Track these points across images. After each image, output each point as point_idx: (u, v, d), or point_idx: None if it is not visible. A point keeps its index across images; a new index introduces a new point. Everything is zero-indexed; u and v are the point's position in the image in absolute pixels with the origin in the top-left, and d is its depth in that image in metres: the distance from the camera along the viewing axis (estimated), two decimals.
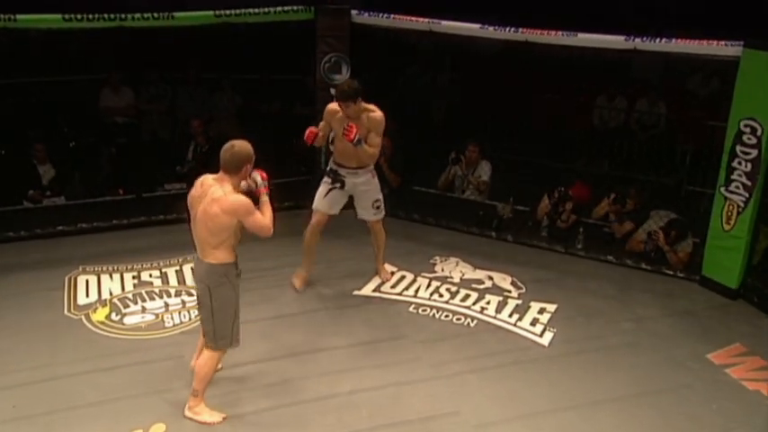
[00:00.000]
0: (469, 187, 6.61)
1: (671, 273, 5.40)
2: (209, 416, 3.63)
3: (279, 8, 5.72)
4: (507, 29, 5.38)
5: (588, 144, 7.18)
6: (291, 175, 7.08)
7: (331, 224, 6.27)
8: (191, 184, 6.40)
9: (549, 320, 4.71)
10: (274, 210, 3.60)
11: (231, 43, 6.95)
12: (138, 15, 5.13)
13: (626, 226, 5.72)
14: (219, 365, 3.75)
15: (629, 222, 5.71)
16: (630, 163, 6.86)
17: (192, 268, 4.97)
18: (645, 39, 4.96)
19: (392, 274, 5.23)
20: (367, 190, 4.81)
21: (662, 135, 7.05)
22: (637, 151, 6.86)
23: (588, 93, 7.65)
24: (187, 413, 3.63)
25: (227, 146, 3.45)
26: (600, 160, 7.23)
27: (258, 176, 3.59)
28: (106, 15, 5.04)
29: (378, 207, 4.88)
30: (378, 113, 4.57)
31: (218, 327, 3.50)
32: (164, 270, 5.19)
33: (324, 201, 4.85)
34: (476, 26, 5.50)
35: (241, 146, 3.46)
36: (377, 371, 4.09)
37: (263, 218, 3.50)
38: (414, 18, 5.71)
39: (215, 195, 3.39)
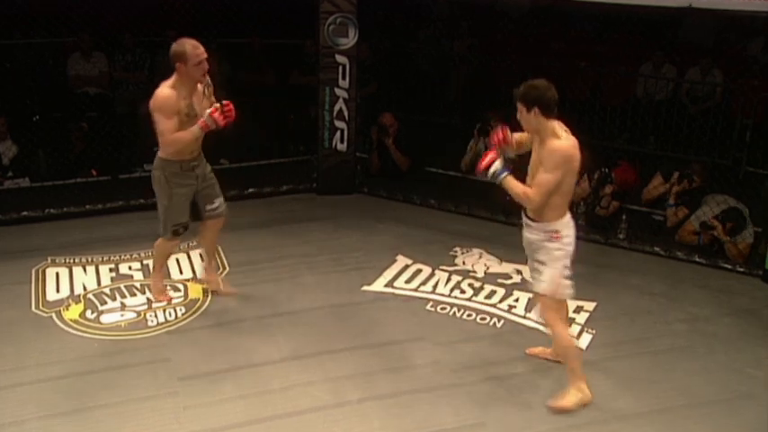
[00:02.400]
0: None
1: (729, 267, 5.41)
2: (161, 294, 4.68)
3: None
4: None
5: (631, 119, 7.16)
6: (288, 155, 7.12)
7: (338, 211, 6.32)
8: None
9: (587, 321, 4.71)
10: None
11: (219, 2, 6.94)
12: None
13: (680, 212, 5.72)
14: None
15: (683, 208, 5.71)
16: (680, 140, 6.84)
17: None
18: None
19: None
20: (541, 248, 3.77)
21: (717, 108, 7.01)
22: (687, 127, 6.84)
23: (631, 60, 7.63)
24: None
25: None
26: (644, 137, 7.22)
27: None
28: None
29: (539, 272, 3.77)
30: (556, 143, 3.54)
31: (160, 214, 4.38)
32: (145, 262, 5.21)
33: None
34: None
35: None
36: (390, 376, 4.10)
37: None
38: None
39: None
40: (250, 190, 6.44)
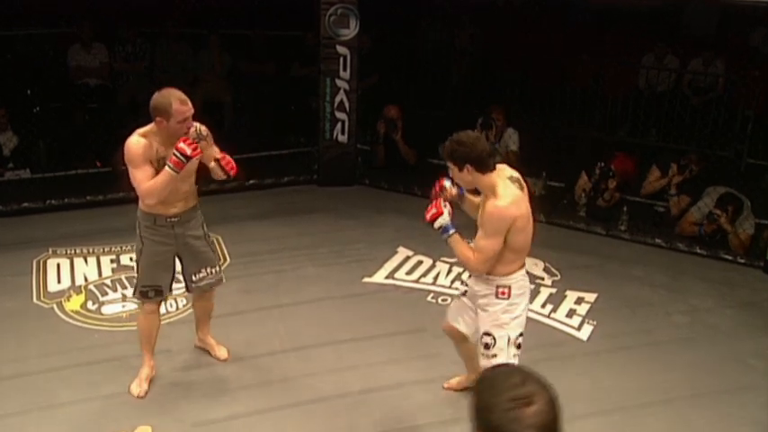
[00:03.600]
0: (496, 160, 6.60)
1: (730, 258, 5.41)
2: (136, 386, 3.82)
3: None
4: None
5: (633, 111, 7.14)
6: (289, 146, 7.10)
7: (339, 203, 6.31)
8: None
9: (588, 312, 4.71)
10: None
11: None
12: None
13: (683, 201, 5.73)
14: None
15: (684, 197, 5.72)
16: (682, 132, 6.83)
17: None
18: None
19: None
20: (485, 309, 3.33)
21: (719, 100, 7.00)
22: (689, 118, 6.82)
23: (633, 51, 7.60)
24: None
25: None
26: (646, 129, 7.21)
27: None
28: None
29: (487, 346, 3.30)
30: (493, 204, 3.10)
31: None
32: None
33: (450, 305, 3.75)
34: None
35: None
36: (391, 368, 4.10)
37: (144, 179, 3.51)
38: None
39: None
40: (251, 181, 6.43)
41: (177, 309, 4.57)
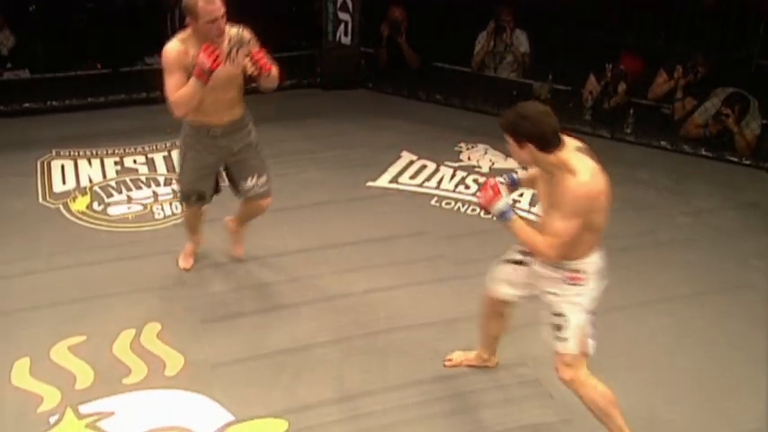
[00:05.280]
0: (503, 63, 6.45)
1: (735, 160, 5.37)
2: (182, 260, 4.06)
3: None
4: None
5: (641, 11, 6.90)
6: (291, 49, 6.91)
7: (343, 107, 6.20)
8: None
9: None
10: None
11: None
12: None
13: (688, 103, 5.62)
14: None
15: (690, 99, 5.60)
16: (692, 34, 6.61)
17: None
18: None
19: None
20: (554, 294, 2.89)
21: None
22: (700, 19, 6.59)
23: None
24: None
25: None
26: (655, 32, 6.99)
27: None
28: None
29: (558, 328, 2.86)
30: (576, 182, 2.59)
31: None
32: (150, 155, 5.19)
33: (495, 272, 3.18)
34: None
35: None
36: (395, 269, 4.11)
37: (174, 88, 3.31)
38: None
39: None
40: (252, 85, 6.28)
41: (183, 211, 4.55)
